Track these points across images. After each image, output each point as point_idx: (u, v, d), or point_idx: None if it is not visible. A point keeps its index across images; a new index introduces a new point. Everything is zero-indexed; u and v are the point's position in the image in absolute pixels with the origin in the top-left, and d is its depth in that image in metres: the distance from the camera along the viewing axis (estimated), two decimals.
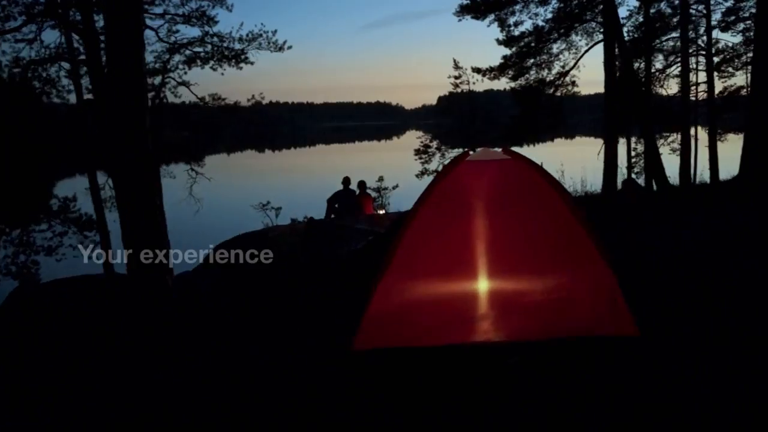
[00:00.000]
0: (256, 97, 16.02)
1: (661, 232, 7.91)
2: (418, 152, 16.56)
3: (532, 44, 16.11)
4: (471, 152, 5.03)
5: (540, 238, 4.49)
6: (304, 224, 8.80)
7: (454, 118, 18.03)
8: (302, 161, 65.39)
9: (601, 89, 17.36)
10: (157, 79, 14.09)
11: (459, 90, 16.77)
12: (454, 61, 16.33)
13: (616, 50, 16.69)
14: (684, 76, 17.41)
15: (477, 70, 16.63)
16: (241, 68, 14.80)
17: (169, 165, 16.60)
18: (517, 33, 16.00)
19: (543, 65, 16.33)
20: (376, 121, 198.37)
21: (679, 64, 22.77)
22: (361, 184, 14.79)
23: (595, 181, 21.34)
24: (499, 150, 5.04)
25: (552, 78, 16.43)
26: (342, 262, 6.10)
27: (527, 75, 16.19)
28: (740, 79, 24.41)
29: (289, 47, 15.26)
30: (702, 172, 23.03)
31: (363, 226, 7.66)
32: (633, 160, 22.75)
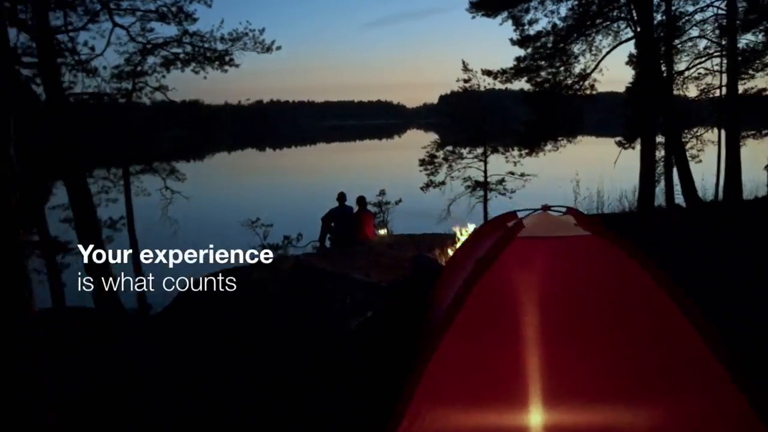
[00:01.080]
0: (242, 102, 14.27)
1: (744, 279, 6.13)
2: (423, 163, 14.81)
3: (549, 44, 14.37)
4: (521, 217, 3.26)
5: (637, 361, 2.79)
6: (290, 265, 7.09)
7: (462, 119, 16.23)
8: (302, 161, 63.56)
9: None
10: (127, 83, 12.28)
11: (466, 92, 15.05)
12: (464, 63, 14.58)
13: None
14: (731, 74, 15.62)
15: (488, 73, 14.90)
16: (225, 71, 12.93)
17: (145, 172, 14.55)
18: (532, 32, 14.30)
19: (561, 67, 14.59)
20: (377, 119, 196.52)
21: (699, 66, 20.99)
22: (360, 200, 13.07)
23: (613, 192, 19.40)
24: (563, 213, 3.29)
25: (571, 81, 14.68)
26: (335, 344, 4.42)
27: (544, 77, 14.45)
28: (761, 81, 22.58)
29: (278, 48, 13.47)
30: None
31: (360, 275, 5.96)
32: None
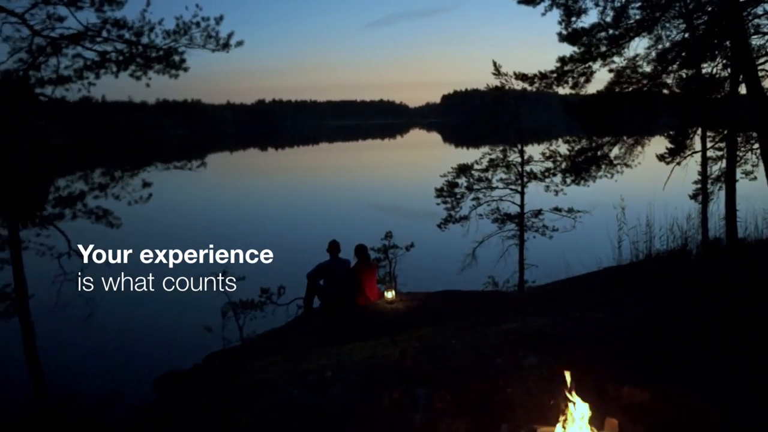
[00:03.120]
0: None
1: None
2: (440, 193, 11.13)
3: (605, 40, 10.65)
4: None
5: None
6: None
7: (494, 124, 12.44)
8: (299, 169, 59.81)
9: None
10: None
11: (498, 101, 11.39)
12: (495, 65, 10.87)
13: None
14: None
15: (522, 77, 11.22)
16: (175, 76, 9.00)
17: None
18: (586, 25, 10.54)
19: (626, 69, 10.86)
20: (379, 119, 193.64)
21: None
22: (360, 251, 9.50)
23: (663, 221, 15.59)
24: None
25: (636, 86, 10.94)
26: None
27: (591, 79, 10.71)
28: None
29: (239, 43, 9.48)
30: None
31: None
32: (708, 187, 16.49)
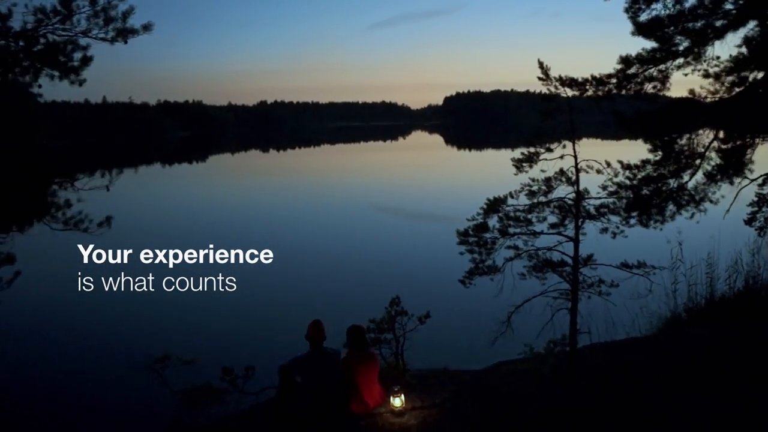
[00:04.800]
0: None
1: None
2: (464, 239, 8.03)
3: (690, 34, 7.67)
4: None
5: None
6: None
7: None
8: (303, 165, 56.80)
9: None
10: None
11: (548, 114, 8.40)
12: (543, 68, 7.80)
13: None
14: None
15: (571, 83, 8.24)
16: (79, 82, 6.11)
17: None
18: (673, 11, 7.50)
19: (725, 72, 7.88)
20: (381, 121, 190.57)
21: None
22: (354, 334, 6.46)
23: (728, 257, 12.79)
24: None
25: (719, 94, 7.97)
26: None
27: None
28: None
29: (147, 27, 6.41)
30: None
31: None
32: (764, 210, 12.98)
